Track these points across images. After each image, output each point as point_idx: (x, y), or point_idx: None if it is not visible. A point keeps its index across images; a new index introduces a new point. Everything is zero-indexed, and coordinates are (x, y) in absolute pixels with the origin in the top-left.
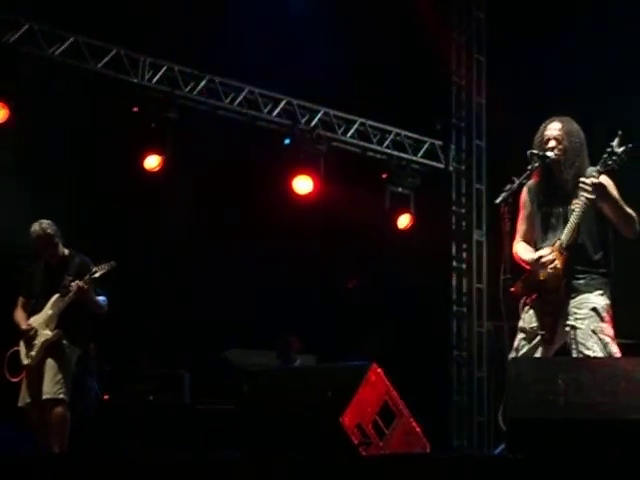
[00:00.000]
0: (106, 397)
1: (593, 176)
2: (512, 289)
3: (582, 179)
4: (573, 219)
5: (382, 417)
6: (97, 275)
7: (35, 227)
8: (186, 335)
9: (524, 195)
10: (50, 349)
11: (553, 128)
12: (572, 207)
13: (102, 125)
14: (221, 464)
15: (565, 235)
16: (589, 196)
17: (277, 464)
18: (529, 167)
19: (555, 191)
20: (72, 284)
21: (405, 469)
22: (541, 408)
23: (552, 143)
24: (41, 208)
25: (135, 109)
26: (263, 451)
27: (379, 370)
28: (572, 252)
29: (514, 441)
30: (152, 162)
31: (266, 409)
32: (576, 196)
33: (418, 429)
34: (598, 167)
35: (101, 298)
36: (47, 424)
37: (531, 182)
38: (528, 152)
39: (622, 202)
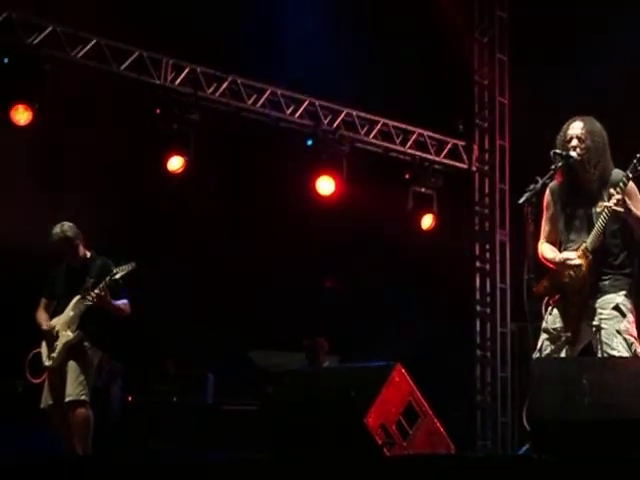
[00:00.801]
0: (130, 398)
1: (622, 182)
2: (535, 289)
3: (605, 202)
4: (600, 224)
5: (406, 417)
6: (118, 276)
7: (56, 230)
8: (210, 336)
9: (547, 196)
10: (71, 351)
11: (576, 127)
12: (598, 210)
13: (125, 127)
14: (245, 465)
15: (591, 239)
16: (615, 209)
17: (301, 465)
18: (552, 167)
19: (579, 192)
20: (91, 293)
21: (429, 469)
22: (565, 408)
23: (575, 142)
24: (62, 210)
25: (158, 111)
26: (287, 452)
27: (403, 371)
28: (597, 255)
29: (538, 441)
30: (175, 164)
31: (290, 410)
32: (601, 197)
33: (442, 429)
34: (627, 172)
35: (123, 301)
36: (70, 425)
37: (554, 183)
38: (551, 152)
39: None
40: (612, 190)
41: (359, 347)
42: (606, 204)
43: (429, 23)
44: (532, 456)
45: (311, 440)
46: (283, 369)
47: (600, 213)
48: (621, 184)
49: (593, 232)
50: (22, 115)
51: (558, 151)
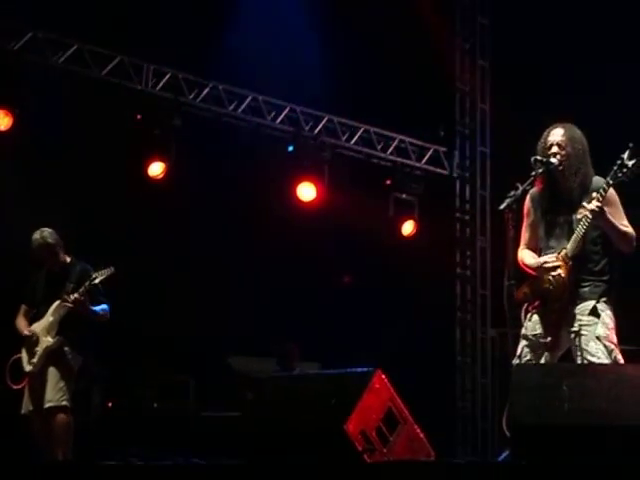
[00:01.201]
0: (110, 404)
1: (602, 189)
2: (515, 296)
3: (584, 204)
4: (579, 230)
5: (386, 424)
6: (97, 281)
7: (36, 236)
8: (191, 342)
9: (527, 203)
10: (52, 356)
11: (556, 134)
12: (578, 216)
13: (106, 132)
14: (225, 471)
15: (571, 245)
16: (588, 219)
17: (281, 471)
18: (533, 173)
19: (559, 198)
20: (69, 297)
21: (409, 476)
22: (545, 414)
23: (555, 149)
24: (42, 215)
25: (139, 116)
26: (267, 458)
27: (383, 377)
28: (577, 261)
29: (518, 447)
30: (156, 169)
31: (270, 416)
32: (581, 204)
33: (422, 436)
34: (608, 179)
35: (102, 307)
36: (50, 431)
37: (534, 190)
38: (532, 158)
39: (620, 221)
40: (594, 194)
41: (339, 353)
42: (585, 206)
43: (411, 30)
44: (512, 462)
45: (291, 446)
46: (263, 375)
47: (580, 220)
48: (601, 191)
49: (573, 238)
50: (2, 121)
51: (539, 158)
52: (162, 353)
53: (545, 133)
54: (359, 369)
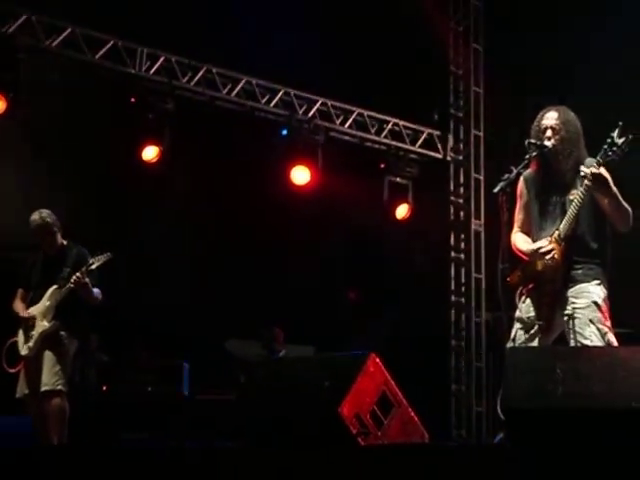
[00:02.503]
0: (105, 388)
1: (593, 166)
2: (508, 279)
3: (582, 168)
4: (572, 210)
5: (380, 407)
6: (94, 267)
7: (34, 216)
8: (185, 325)
9: (521, 185)
10: (48, 340)
11: (550, 117)
12: (571, 197)
13: (100, 116)
14: (219, 454)
15: (563, 226)
16: (589, 184)
17: (275, 454)
18: (527, 156)
19: (553, 181)
20: (72, 277)
21: (403, 459)
22: (539, 397)
23: (549, 133)
24: (38, 199)
25: (133, 100)
26: (261, 441)
27: (377, 360)
28: (570, 243)
29: (512, 430)
30: (150, 153)
31: (264, 400)
32: (574, 186)
33: (416, 419)
34: (598, 158)
35: (96, 290)
36: (45, 415)
37: (528, 172)
38: (526, 141)
39: (618, 194)
40: (584, 169)
41: (333, 336)
42: (585, 170)
43: (404, 12)
44: (506, 445)
45: (285, 430)
46: (257, 358)
47: (573, 200)
48: (592, 169)
49: (565, 219)
50: None
51: (532, 140)
52: (156, 337)
53: (539, 116)
54: (353, 352)
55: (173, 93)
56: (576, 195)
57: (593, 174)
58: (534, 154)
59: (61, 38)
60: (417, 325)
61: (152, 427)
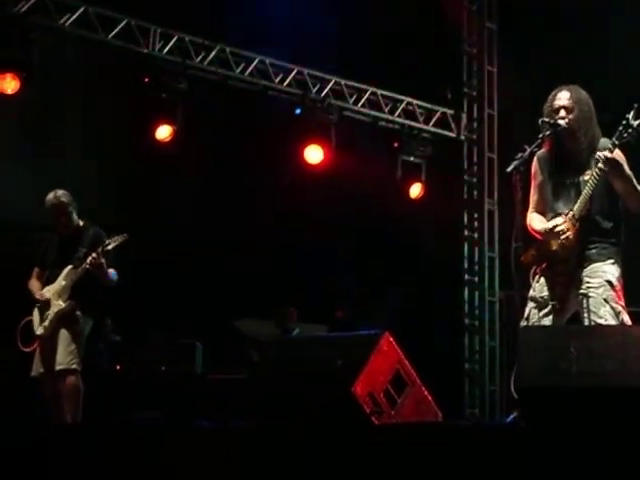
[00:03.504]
0: (118, 367)
1: (608, 149)
2: (523, 258)
3: (598, 153)
4: (586, 190)
5: (394, 386)
6: (110, 247)
7: (50, 196)
8: (198, 305)
9: (535, 165)
10: (63, 320)
11: (563, 97)
12: (585, 178)
13: (113, 95)
14: (232, 433)
15: (578, 206)
16: (602, 167)
17: (288, 433)
18: (540, 135)
19: (567, 160)
20: (88, 258)
21: (417, 438)
22: (553, 376)
23: (562, 113)
24: (50, 178)
25: (146, 79)
26: (275, 420)
27: (391, 339)
28: (584, 223)
29: (526, 409)
30: (163, 132)
31: (277, 379)
32: (589, 166)
33: (430, 398)
34: (613, 139)
35: (111, 271)
36: (60, 394)
37: (541, 152)
38: (539, 120)
39: (633, 178)
40: (599, 154)
41: (347, 315)
42: (600, 155)
43: None
44: (520, 424)
45: (298, 409)
46: (270, 338)
47: (587, 181)
48: (607, 152)
49: (580, 199)
50: (10, 84)
51: (546, 120)
52: (169, 317)
53: (551, 96)
54: (367, 331)
55: (186, 73)
56: (590, 176)
57: (607, 158)
58: (547, 133)
59: (74, 17)
60: (431, 304)
61: (165, 406)
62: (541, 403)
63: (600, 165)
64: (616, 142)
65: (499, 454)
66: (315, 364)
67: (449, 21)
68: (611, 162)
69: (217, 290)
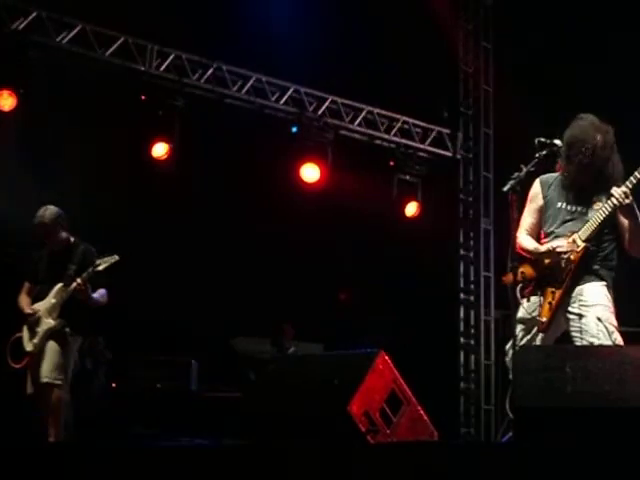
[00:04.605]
0: (113, 385)
1: (624, 193)
2: (512, 276)
3: (614, 189)
4: (596, 219)
5: (390, 405)
6: (100, 268)
7: (39, 213)
8: (194, 322)
9: (536, 187)
10: (52, 337)
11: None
12: (595, 207)
13: (109, 113)
14: (228, 452)
15: (584, 231)
16: (619, 203)
17: (284, 452)
18: (536, 155)
19: (577, 189)
20: (71, 282)
21: (412, 457)
22: (548, 396)
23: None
24: (45, 195)
25: (143, 97)
26: (270, 439)
27: (387, 358)
28: (589, 246)
29: (521, 429)
30: (160, 150)
31: (273, 397)
32: (600, 198)
33: (425, 417)
34: (637, 173)
35: (100, 291)
36: (44, 407)
37: (549, 175)
38: (535, 140)
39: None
40: (615, 191)
41: (342, 334)
42: (615, 191)
43: (414, 11)
44: (515, 444)
45: (294, 427)
46: (265, 356)
47: (597, 211)
48: (628, 183)
49: (588, 226)
50: (6, 101)
51: (542, 139)
52: (165, 335)
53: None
54: (362, 350)
55: (183, 90)
56: (602, 207)
57: (624, 199)
58: (544, 153)
59: (72, 35)
60: (426, 323)
61: (161, 424)
62: (536, 423)
63: (614, 201)
64: (630, 187)
65: (494, 474)
66: (311, 382)
67: (445, 40)
68: (627, 207)
69: (213, 308)
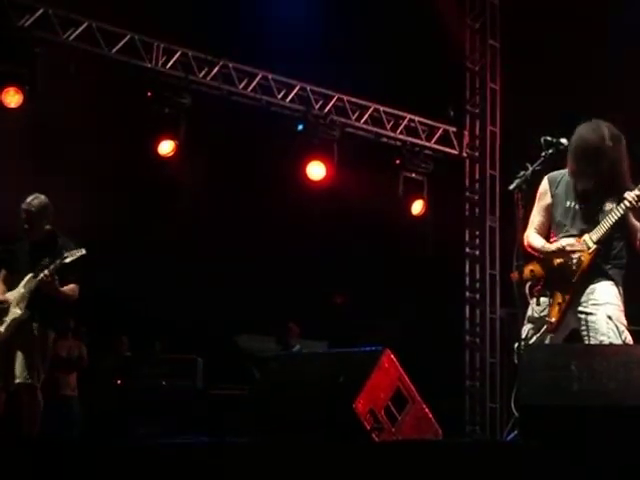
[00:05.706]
0: (119, 382)
1: (637, 196)
2: (521, 274)
3: (627, 193)
4: (611, 217)
5: (395, 403)
6: (67, 261)
7: (27, 199)
8: (199, 320)
9: (545, 185)
10: (20, 330)
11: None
12: (606, 209)
13: (116, 110)
14: (233, 449)
15: (597, 232)
16: (632, 206)
17: (289, 449)
18: (543, 154)
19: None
20: (40, 273)
21: (417, 455)
22: (554, 394)
23: None
24: (50, 192)
25: (149, 94)
26: (275, 436)
27: (392, 356)
28: (601, 246)
29: (526, 427)
30: (166, 147)
31: (278, 395)
32: (612, 199)
33: (430, 415)
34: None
35: (70, 286)
36: (20, 407)
37: (558, 173)
38: (542, 139)
39: None
40: (629, 194)
41: (348, 332)
42: (630, 196)
43: (421, 8)
44: (520, 442)
45: (299, 425)
46: (271, 354)
47: (609, 212)
48: (636, 192)
49: (600, 226)
50: (13, 98)
51: (548, 138)
52: (170, 332)
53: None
54: (368, 348)
55: (189, 88)
56: (614, 210)
57: (635, 206)
58: (550, 152)
59: (78, 32)
60: (432, 321)
61: (165, 421)
62: (542, 421)
63: (627, 204)
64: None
65: (499, 472)
66: (316, 380)
67: (452, 38)
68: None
69: (218, 306)
